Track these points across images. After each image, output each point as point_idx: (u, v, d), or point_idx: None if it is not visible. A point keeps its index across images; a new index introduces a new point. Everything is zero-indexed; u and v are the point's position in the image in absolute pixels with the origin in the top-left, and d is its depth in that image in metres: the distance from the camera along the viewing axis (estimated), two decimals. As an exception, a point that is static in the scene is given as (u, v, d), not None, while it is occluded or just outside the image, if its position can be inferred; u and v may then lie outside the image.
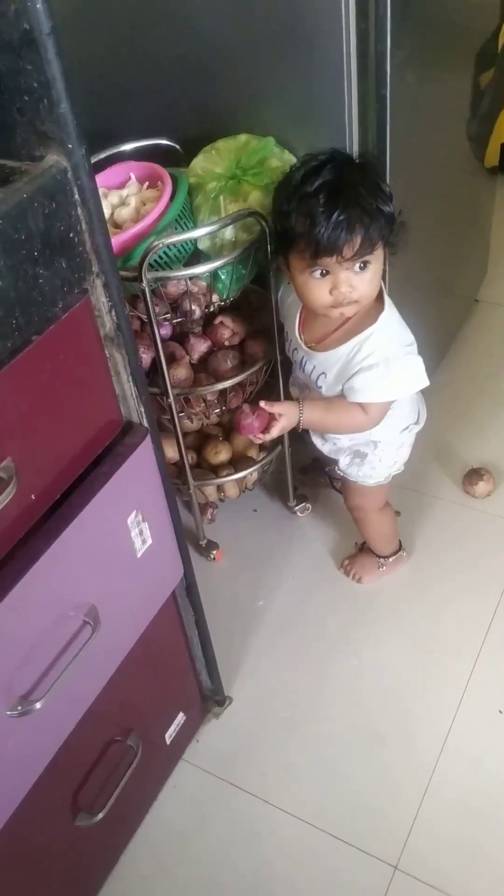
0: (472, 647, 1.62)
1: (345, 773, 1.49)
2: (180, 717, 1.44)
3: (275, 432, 1.33)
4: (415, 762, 1.48)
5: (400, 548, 1.76)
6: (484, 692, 1.56)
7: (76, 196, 0.79)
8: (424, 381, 1.34)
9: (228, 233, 1.35)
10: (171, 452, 1.60)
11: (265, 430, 1.33)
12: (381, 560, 1.75)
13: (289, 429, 1.37)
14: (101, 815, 1.21)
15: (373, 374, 1.28)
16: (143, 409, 1.01)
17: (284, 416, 1.33)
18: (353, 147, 1.36)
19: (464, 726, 1.52)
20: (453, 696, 1.56)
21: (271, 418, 1.33)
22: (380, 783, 1.47)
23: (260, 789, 1.48)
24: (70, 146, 0.77)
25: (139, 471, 1.02)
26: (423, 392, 1.57)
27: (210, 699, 1.56)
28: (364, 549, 1.78)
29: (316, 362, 1.36)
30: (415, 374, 1.32)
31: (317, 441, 1.53)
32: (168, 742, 1.43)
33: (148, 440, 1.02)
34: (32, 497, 0.88)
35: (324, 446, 1.53)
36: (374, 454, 1.48)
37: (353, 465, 1.52)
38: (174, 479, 1.66)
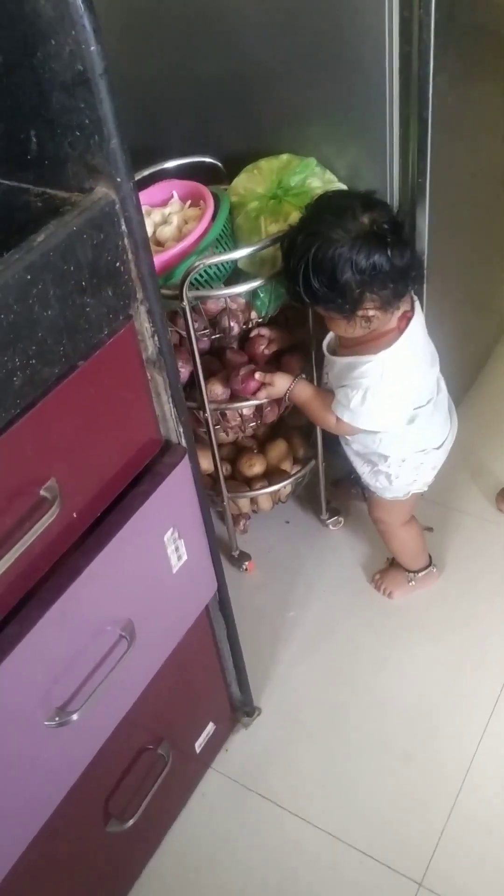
0: (502, 667, 1.62)
1: (372, 788, 1.50)
2: (210, 727, 1.46)
3: (261, 395, 1.49)
4: (442, 779, 1.49)
5: (430, 563, 1.76)
6: (513, 712, 1.56)
7: (123, 227, 0.82)
8: (384, 429, 1.42)
9: (268, 252, 1.37)
10: (206, 464, 1.62)
11: (253, 392, 1.48)
12: (411, 575, 1.75)
13: (275, 397, 1.50)
14: (131, 822, 1.23)
15: (352, 394, 1.34)
16: (181, 430, 1.04)
17: (273, 385, 1.47)
18: (394, 168, 1.38)
19: (491, 746, 1.52)
20: (482, 715, 1.56)
21: (259, 385, 1.47)
22: (406, 799, 1.47)
23: (287, 800, 1.50)
24: (119, 180, 0.79)
25: (177, 489, 1.04)
26: (458, 408, 1.58)
27: (239, 709, 1.58)
28: (394, 563, 1.78)
29: (327, 361, 1.45)
30: (382, 417, 1.38)
31: (342, 440, 1.56)
32: (198, 751, 1.45)
33: (186, 459, 1.04)
34: (74, 515, 0.91)
35: (345, 447, 1.56)
36: (387, 468, 1.51)
37: (371, 475, 1.55)
38: (208, 490, 1.68)
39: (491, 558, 1.81)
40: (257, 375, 1.47)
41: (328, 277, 1.22)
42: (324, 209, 1.26)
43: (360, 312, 1.27)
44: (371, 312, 1.27)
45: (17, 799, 0.98)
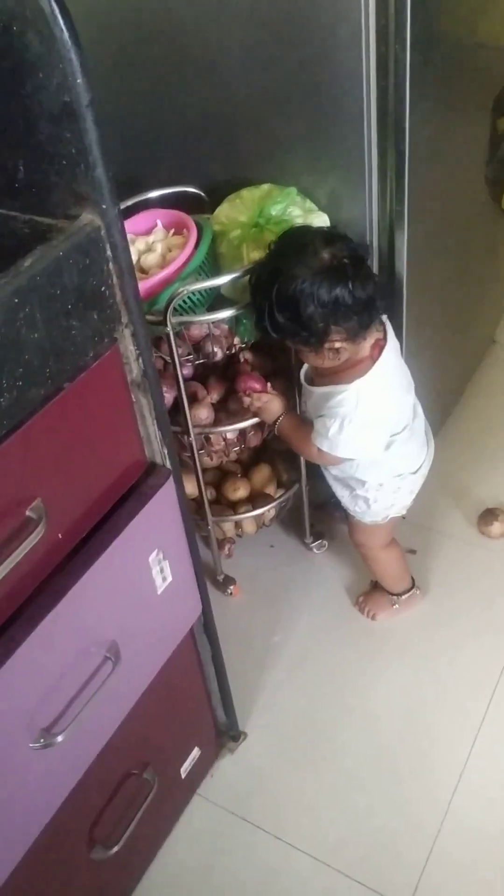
0: (487, 686, 1.63)
1: (359, 811, 1.50)
2: (195, 752, 1.46)
3: (256, 404, 1.50)
4: (429, 801, 1.49)
5: (413, 586, 1.78)
6: (499, 730, 1.57)
7: (108, 252, 0.84)
8: (362, 457, 1.43)
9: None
10: (190, 488, 1.64)
11: (251, 392, 1.50)
12: (395, 597, 1.76)
13: (265, 416, 1.52)
14: (116, 849, 1.23)
15: (329, 424, 1.36)
16: (166, 451, 1.05)
17: (271, 400, 1.50)
18: (373, 196, 1.41)
19: (478, 765, 1.52)
20: (468, 735, 1.57)
21: (264, 390, 1.50)
22: (393, 822, 1.47)
23: (274, 826, 1.49)
24: (104, 206, 0.81)
25: (162, 510, 1.05)
26: (440, 431, 1.60)
27: (225, 734, 1.58)
28: (378, 586, 1.80)
29: (305, 391, 1.47)
30: (360, 445, 1.40)
31: (321, 465, 1.57)
32: (183, 776, 1.45)
33: (171, 481, 1.05)
34: (59, 536, 0.92)
35: (325, 472, 1.58)
36: (365, 492, 1.52)
37: (350, 499, 1.57)
38: (193, 514, 1.69)
39: (473, 580, 1.83)
40: (269, 385, 1.50)
41: (292, 312, 1.26)
42: (285, 246, 1.30)
43: (327, 345, 1.29)
44: (338, 344, 1.30)
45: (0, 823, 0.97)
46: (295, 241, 1.29)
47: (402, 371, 1.43)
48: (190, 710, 1.43)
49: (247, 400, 1.51)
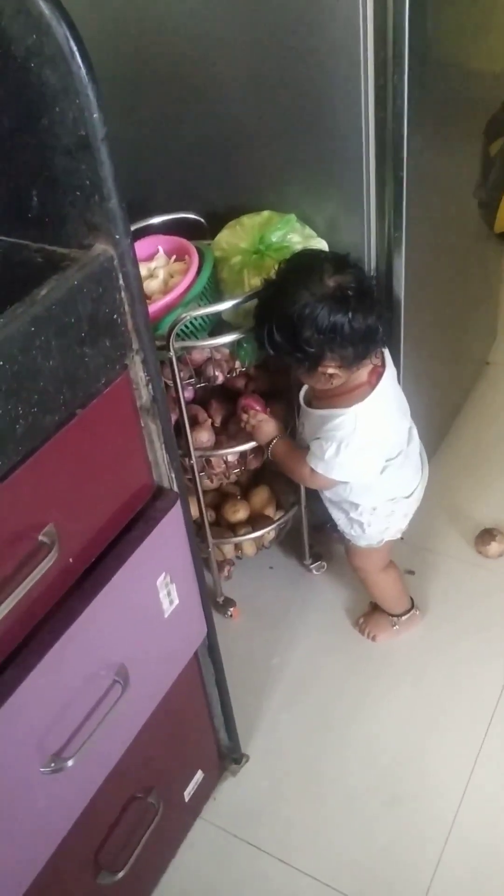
0: (488, 705, 1.64)
1: (363, 833, 1.49)
2: (199, 775, 1.46)
3: (252, 421, 1.52)
4: (433, 821, 1.49)
5: (412, 606, 1.78)
6: (499, 752, 1.57)
7: (121, 281, 0.85)
8: (357, 480, 1.45)
9: (251, 304, 1.41)
10: (191, 511, 1.64)
11: (250, 410, 1.52)
12: (395, 619, 1.77)
13: (259, 437, 1.53)
14: (122, 874, 1.22)
15: (325, 446, 1.37)
16: (173, 475, 1.06)
17: (267, 421, 1.52)
18: (371, 223, 1.44)
19: (480, 785, 1.53)
20: (470, 754, 1.57)
21: (264, 410, 1.53)
22: (396, 844, 1.47)
23: (277, 849, 1.49)
24: (117, 237, 0.83)
25: (169, 534, 1.06)
26: (436, 453, 1.62)
27: (227, 757, 1.58)
28: (378, 607, 1.80)
29: (303, 412, 1.49)
30: (356, 469, 1.41)
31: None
32: (187, 800, 1.45)
33: (178, 504, 1.06)
34: (70, 560, 0.92)
35: (321, 494, 1.59)
36: (359, 515, 1.53)
37: (346, 523, 1.58)
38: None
39: (472, 599, 1.84)
40: (267, 409, 1.52)
41: (289, 333, 1.28)
42: (294, 268, 1.32)
43: (320, 369, 1.31)
44: (331, 370, 1.31)
45: (9, 852, 0.97)
46: (304, 263, 1.31)
47: (399, 397, 1.45)
48: (194, 733, 1.43)
49: (244, 416, 1.52)
